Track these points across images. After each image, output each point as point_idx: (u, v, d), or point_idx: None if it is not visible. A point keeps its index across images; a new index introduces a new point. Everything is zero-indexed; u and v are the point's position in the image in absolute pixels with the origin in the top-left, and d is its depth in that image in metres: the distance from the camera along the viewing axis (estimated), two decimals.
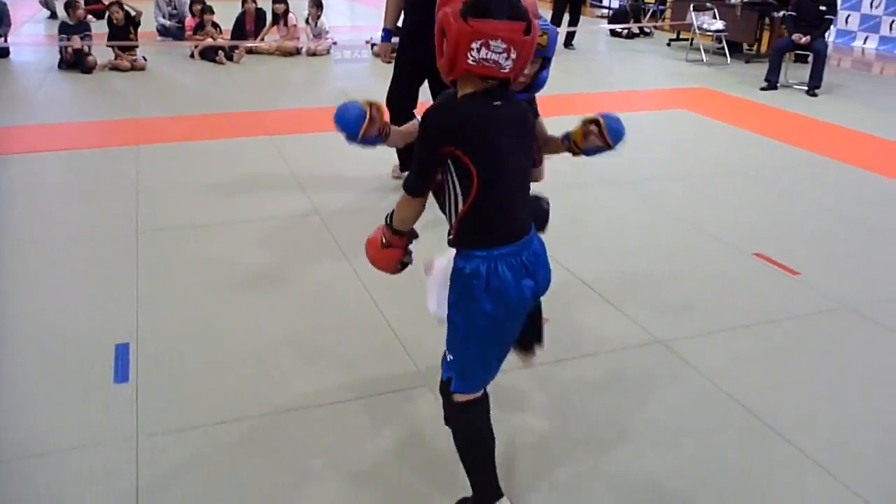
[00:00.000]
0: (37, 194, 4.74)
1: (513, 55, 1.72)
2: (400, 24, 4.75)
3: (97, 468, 2.36)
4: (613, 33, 12.51)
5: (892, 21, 11.39)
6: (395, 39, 4.81)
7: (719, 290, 3.64)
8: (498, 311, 1.86)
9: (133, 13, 9.23)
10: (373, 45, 9.66)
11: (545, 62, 2.25)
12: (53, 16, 13.26)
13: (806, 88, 8.22)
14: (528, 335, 2.49)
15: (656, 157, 5.84)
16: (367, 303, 3.41)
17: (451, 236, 1.90)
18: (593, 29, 13.12)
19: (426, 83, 4.59)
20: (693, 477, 2.39)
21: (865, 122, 7.00)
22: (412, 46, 4.48)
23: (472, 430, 2.03)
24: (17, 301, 3.40)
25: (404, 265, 2.05)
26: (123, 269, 3.70)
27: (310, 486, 2.30)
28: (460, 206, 1.83)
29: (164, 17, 10.88)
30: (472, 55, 1.70)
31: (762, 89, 8.33)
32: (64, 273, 3.68)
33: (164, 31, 10.83)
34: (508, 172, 1.84)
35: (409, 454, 2.46)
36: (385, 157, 4.85)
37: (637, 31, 12.53)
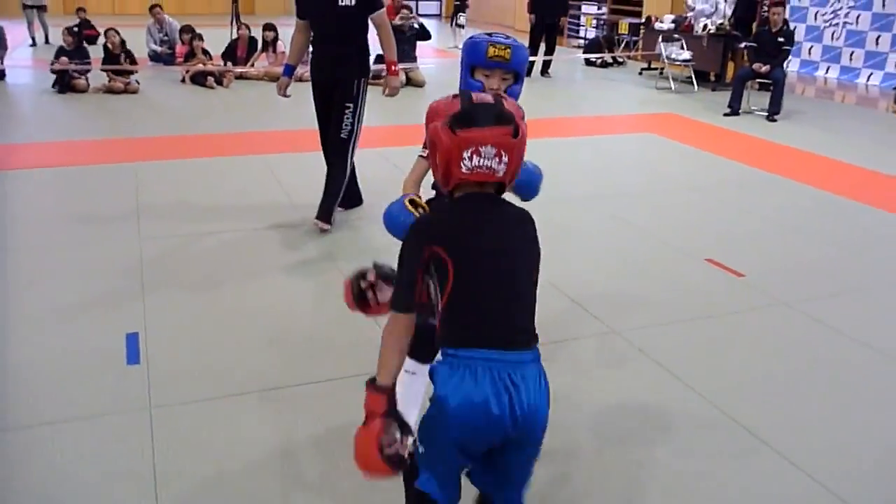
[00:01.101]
0: (43, 204, 5.09)
1: (504, 159, 1.74)
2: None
3: (112, 434, 2.69)
4: (588, 62, 13.05)
5: (852, 52, 12.00)
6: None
7: (673, 290, 4.04)
8: (456, 402, 1.66)
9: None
10: None
11: (517, 77, 2.40)
12: (34, 43, 13.60)
13: (766, 114, 8.73)
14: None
15: (624, 176, 6.27)
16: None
17: (438, 332, 1.79)
18: (569, 58, 13.66)
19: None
20: (643, 440, 2.76)
21: (817, 144, 7.50)
22: (320, 79, 4.69)
23: None
24: (29, 297, 3.73)
25: (396, 459, 1.72)
26: (129, 267, 4.05)
27: (312, 446, 2.65)
28: (441, 301, 1.74)
29: (155, 43, 11.29)
30: (464, 164, 1.73)
31: (725, 115, 8.83)
32: (74, 270, 4.02)
33: (155, 57, 11.23)
34: (489, 273, 1.74)
35: None
36: (372, 174, 5.24)
37: (610, 60, 13.08)
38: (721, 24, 10.81)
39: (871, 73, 11.68)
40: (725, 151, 7.13)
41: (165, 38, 11.32)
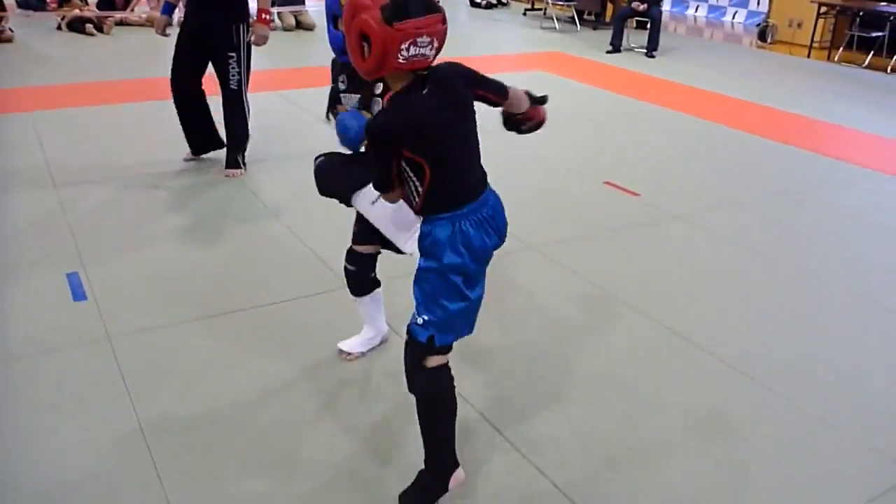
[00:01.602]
0: None
1: (435, 45, 1.86)
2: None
3: (80, 363, 2.82)
4: (473, 3, 13.27)
5: None
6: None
7: (578, 208, 4.44)
8: (465, 260, 1.99)
9: None
10: None
11: None
12: None
13: (645, 51, 9.26)
14: None
15: None
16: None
17: (416, 209, 2.04)
18: (454, 0, 13.82)
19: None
20: (564, 340, 3.13)
21: (692, 77, 8.11)
22: (190, 22, 4.59)
23: (443, 395, 2.09)
24: None
25: None
26: (53, 212, 4.06)
27: (282, 360, 2.87)
28: (420, 190, 1.96)
29: None
30: (402, 55, 1.80)
31: (608, 52, 9.31)
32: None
33: (23, 4, 10.60)
34: (454, 151, 1.97)
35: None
36: (275, 115, 5.32)
37: (495, 1, 13.34)
38: None
39: (736, 12, 12.48)
40: (611, 86, 7.60)
41: None
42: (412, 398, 2.13)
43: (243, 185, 4.62)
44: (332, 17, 2.40)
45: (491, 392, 2.74)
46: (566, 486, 2.31)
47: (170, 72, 4.69)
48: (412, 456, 2.31)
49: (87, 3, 10.06)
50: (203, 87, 4.77)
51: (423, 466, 2.17)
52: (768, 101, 7.18)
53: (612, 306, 3.39)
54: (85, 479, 2.26)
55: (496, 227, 2.07)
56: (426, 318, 2.03)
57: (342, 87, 2.52)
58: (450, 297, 2.02)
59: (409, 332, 2.07)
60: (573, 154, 5.40)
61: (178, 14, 5.18)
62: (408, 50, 1.81)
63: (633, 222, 4.29)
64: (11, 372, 2.76)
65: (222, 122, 4.82)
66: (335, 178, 2.52)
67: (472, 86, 2.03)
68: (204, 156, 4.98)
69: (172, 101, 4.75)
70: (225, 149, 4.84)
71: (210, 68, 4.69)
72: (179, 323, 3.10)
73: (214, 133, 4.95)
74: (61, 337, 2.96)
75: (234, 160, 4.76)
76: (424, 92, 1.90)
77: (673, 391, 2.81)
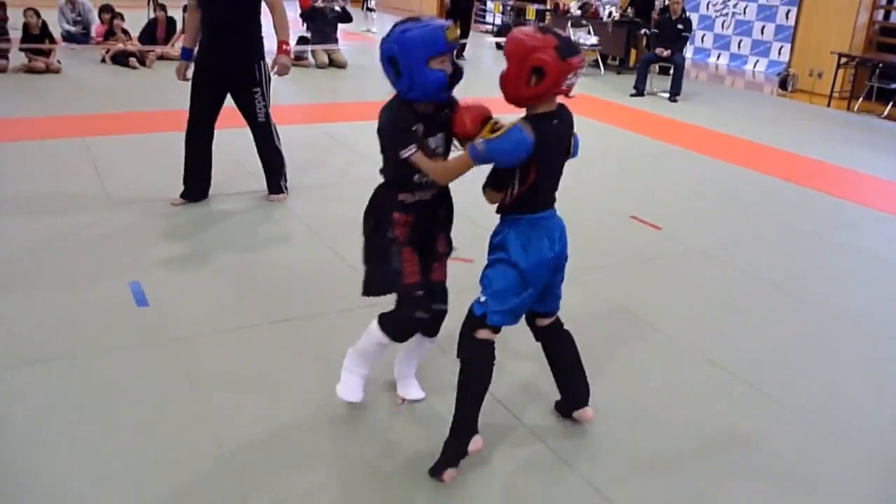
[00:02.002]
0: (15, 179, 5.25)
1: (578, 77, 2.37)
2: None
3: (144, 362, 3.05)
4: (499, 46, 13.67)
5: (740, 40, 13.07)
6: None
7: (604, 240, 4.66)
8: (526, 260, 2.40)
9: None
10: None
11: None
12: None
13: (668, 95, 9.55)
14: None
15: None
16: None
17: (504, 207, 2.45)
18: (480, 42, 14.25)
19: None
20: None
21: (713, 122, 8.37)
22: (209, 62, 4.64)
23: (481, 364, 2.47)
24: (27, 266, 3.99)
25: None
26: (112, 228, 4.34)
27: (321, 364, 3.09)
28: (514, 193, 2.40)
29: (68, 23, 11.13)
30: (566, 83, 2.30)
31: (632, 95, 9.61)
32: (64, 240, 4.27)
33: (68, 37, 11.08)
34: (554, 172, 2.45)
35: None
36: (316, 147, 5.59)
37: None
38: (622, 11, 11.61)
39: (758, 61, 12.78)
40: (635, 127, 7.87)
41: (78, 18, 11.17)
42: None
43: (287, 209, 4.89)
44: (424, 60, 2.38)
45: (519, 391, 2.94)
46: (592, 480, 2.50)
47: (188, 112, 4.76)
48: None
49: (130, 38, 10.51)
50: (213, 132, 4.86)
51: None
52: (789, 147, 7.41)
53: (636, 326, 3.59)
54: (156, 460, 2.48)
55: (560, 240, 2.49)
56: (484, 298, 2.46)
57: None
58: (505, 287, 2.42)
59: (470, 306, 2.50)
60: (601, 189, 5.64)
61: None
62: (569, 79, 2.30)
63: (657, 254, 4.51)
64: (86, 365, 2.99)
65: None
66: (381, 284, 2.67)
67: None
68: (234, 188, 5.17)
69: (186, 140, 4.79)
70: (264, 177, 5.06)
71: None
72: (238, 328, 3.34)
73: (209, 181, 4.99)
74: (127, 338, 3.21)
75: (277, 185, 5.03)
76: (554, 122, 2.38)
77: (692, 404, 2.99)
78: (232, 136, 6.48)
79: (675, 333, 3.54)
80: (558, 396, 2.82)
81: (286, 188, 5.07)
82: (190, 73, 4.75)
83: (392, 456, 2.60)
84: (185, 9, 10.45)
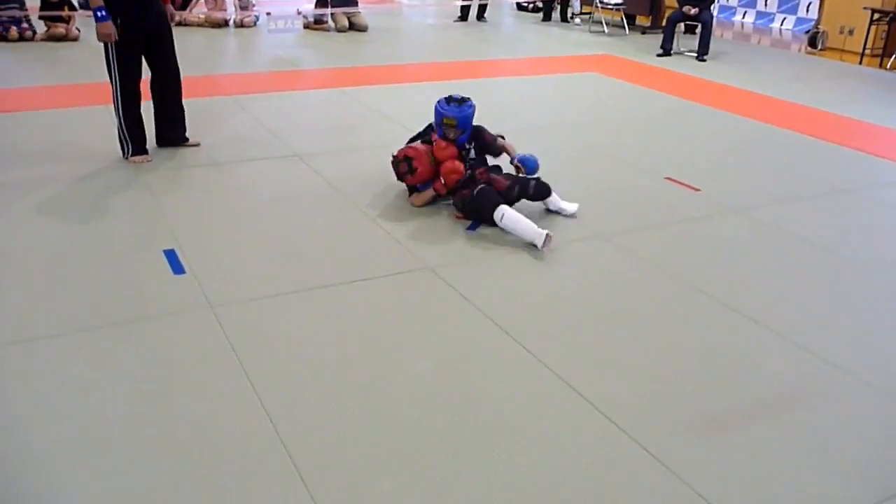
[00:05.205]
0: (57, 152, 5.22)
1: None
2: None
3: (186, 329, 3.03)
4: (519, 7, 13.44)
5: None
6: None
7: (640, 202, 4.57)
8: None
9: None
10: (302, 14, 10.24)
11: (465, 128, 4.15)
12: None
13: (696, 55, 9.35)
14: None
15: (577, 108, 6.78)
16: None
17: None
18: (500, 2, 14.00)
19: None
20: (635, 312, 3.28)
21: (742, 80, 8.20)
22: (140, 19, 4.68)
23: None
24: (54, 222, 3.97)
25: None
26: (146, 197, 4.30)
27: (359, 328, 3.06)
28: None
29: None
30: None
31: (659, 55, 9.41)
32: (98, 200, 4.25)
33: (86, 5, 10.99)
34: None
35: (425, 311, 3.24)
36: (341, 112, 5.50)
37: (541, 4, 13.47)
38: None
39: (785, 18, 12.49)
40: (665, 87, 7.71)
41: None
42: None
43: (316, 173, 4.83)
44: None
45: (568, 354, 2.90)
46: (650, 446, 2.45)
47: (132, 74, 4.77)
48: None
49: None
50: None
51: None
52: (822, 105, 7.24)
53: (678, 287, 3.52)
54: (203, 418, 2.46)
55: None
56: None
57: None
58: None
59: None
60: (633, 151, 5.53)
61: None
62: None
63: (695, 216, 4.41)
64: (131, 332, 2.97)
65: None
66: (486, 207, 3.94)
67: None
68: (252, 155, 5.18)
69: (152, 99, 5.02)
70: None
71: None
72: (275, 295, 3.30)
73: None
74: (165, 306, 3.18)
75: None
76: None
77: (741, 366, 2.94)
78: (254, 101, 6.46)
79: (722, 296, 3.46)
80: (611, 365, 2.76)
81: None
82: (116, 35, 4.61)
83: (427, 418, 2.57)
84: None
